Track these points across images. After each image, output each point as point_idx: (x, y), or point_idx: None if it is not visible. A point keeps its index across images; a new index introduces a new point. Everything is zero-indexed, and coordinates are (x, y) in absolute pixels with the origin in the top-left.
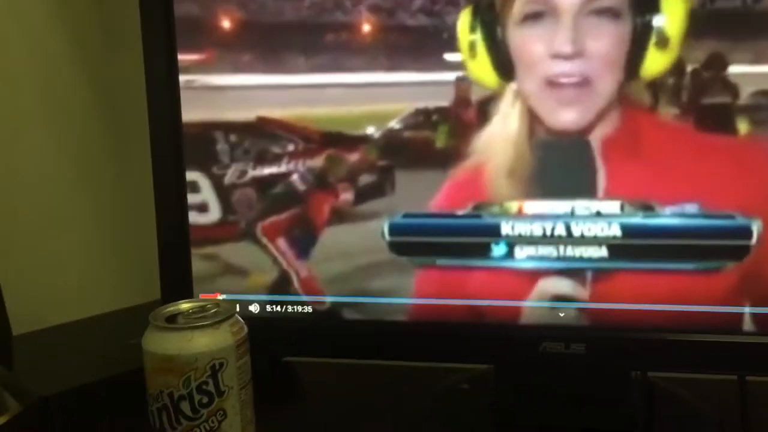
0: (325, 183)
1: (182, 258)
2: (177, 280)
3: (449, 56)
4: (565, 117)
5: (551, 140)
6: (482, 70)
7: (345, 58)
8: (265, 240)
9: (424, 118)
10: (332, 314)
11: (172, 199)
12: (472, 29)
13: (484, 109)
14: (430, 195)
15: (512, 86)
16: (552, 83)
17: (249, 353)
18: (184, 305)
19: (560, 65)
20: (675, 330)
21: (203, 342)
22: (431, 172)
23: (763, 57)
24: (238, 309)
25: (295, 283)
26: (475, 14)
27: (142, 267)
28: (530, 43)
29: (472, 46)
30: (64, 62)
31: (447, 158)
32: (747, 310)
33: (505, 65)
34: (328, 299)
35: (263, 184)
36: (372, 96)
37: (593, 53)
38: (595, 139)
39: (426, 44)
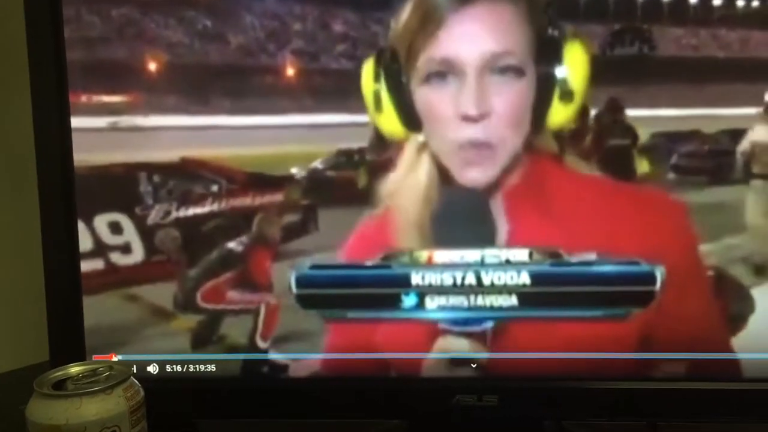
0: (262, 240)
1: (73, 316)
2: (68, 341)
3: None
4: (471, 175)
5: (459, 192)
6: (388, 121)
7: (270, 100)
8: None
9: (347, 159)
10: (239, 372)
11: (61, 249)
12: (376, 79)
13: (393, 157)
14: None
15: (419, 137)
16: (458, 144)
17: (145, 419)
18: (74, 369)
19: (467, 129)
20: (587, 378)
21: (93, 409)
22: (354, 209)
23: (659, 101)
24: (135, 370)
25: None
26: (378, 65)
27: (37, 325)
28: (436, 103)
29: (376, 97)
30: None
31: (367, 199)
32: (656, 356)
33: (411, 118)
34: (235, 357)
35: (188, 225)
36: (296, 137)
37: (498, 112)
38: (502, 190)
39: (349, 87)
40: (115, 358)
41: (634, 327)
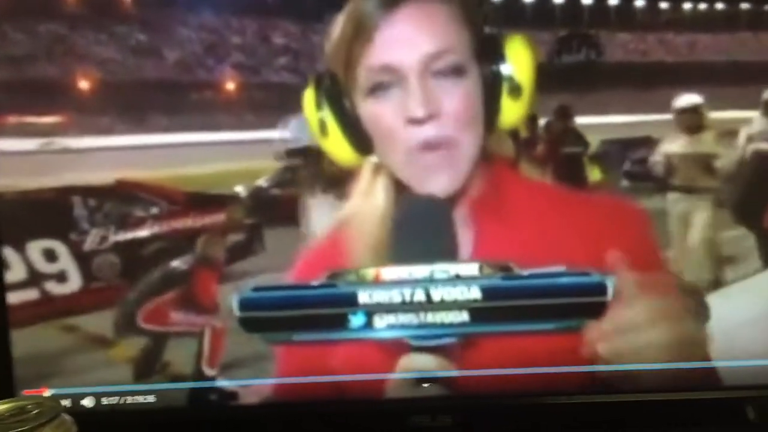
0: (206, 261)
1: (1, 353)
2: None
3: None
4: (435, 183)
5: (420, 204)
6: (337, 147)
7: (209, 116)
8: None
9: (291, 176)
10: (183, 403)
11: None
12: (319, 106)
13: (342, 183)
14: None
15: (371, 159)
16: (414, 150)
17: None
18: (1, 407)
19: (418, 131)
20: (541, 393)
21: None
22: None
23: (608, 107)
24: (69, 404)
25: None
26: (318, 91)
27: None
28: (383, 114)
29: (322, 124)
30: None
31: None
32: (611, 368)
33: (360, 140)
34: (177, 386)
35: (127, 249)
36: (238, 154)
37: (448, 112)
38: (464, 201)
39: (291, 101)
40: (47, 392)
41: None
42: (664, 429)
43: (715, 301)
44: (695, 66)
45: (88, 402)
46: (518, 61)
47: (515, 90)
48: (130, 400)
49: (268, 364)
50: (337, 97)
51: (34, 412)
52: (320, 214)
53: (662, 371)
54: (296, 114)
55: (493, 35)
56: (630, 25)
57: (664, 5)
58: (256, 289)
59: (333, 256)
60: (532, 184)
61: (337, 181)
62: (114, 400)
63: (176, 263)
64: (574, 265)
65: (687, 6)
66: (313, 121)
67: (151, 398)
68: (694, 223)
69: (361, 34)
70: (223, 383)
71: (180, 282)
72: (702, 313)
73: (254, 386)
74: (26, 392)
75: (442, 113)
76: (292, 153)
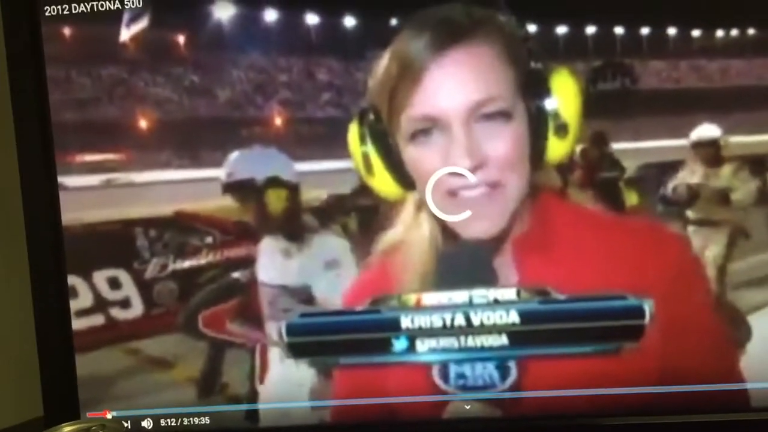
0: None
1: (66, 374)
2: (61, 398)
3: None
4: (477, 228)
5: (463, 248)
6: (381, 182)
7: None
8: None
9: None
10: (238, 423)
11: (52, 309)
12: (362, 141)
13: (388, 214)
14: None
15: (415, 195)
16: (455, 195)
17: None
18: (66, 429)
19: (461, 178)
20: (582, 415)
21: None
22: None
23: (643, 133)
24: (129, 426)
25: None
26: (362, 126)
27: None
28: (424, 160)
29: (365, 159)
30: None
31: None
32: (650, 390)
33: (405, 177)
34: (232, 408)
35: (183, 277)
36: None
37: (493, 158)
38: (510, 239)
39: (336, 134)
40: (109, 415)
41: (627, 361)
42: None
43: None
44: (728, 92)
45: (146, 424)
46: (564, 94)
47: (562, 128)
48: (186, 421)
49: (318, 387)
50: (381, 134)
51: None
52: (267, 261)
53: (697, 392)
54: (242, 147)
55: (539, 71)
56: (663, 52)
57: (696, 33)
58: (303, 315)
59: (379, 283)
60: (573, 210)
61: (286, 222)
62: (172, 421)
63: (237, 275)
64: (612, 288)
65: (719, 33)
66: (357, 155)
67: (206, 420)
68: (706, 255)
69: (407, 74)
70: (276, 405)
71: (239, 293)
72: (742, 333)
73: (306, 408)
74: (90, 414)
75: (488, 160)
76: (229, 188)
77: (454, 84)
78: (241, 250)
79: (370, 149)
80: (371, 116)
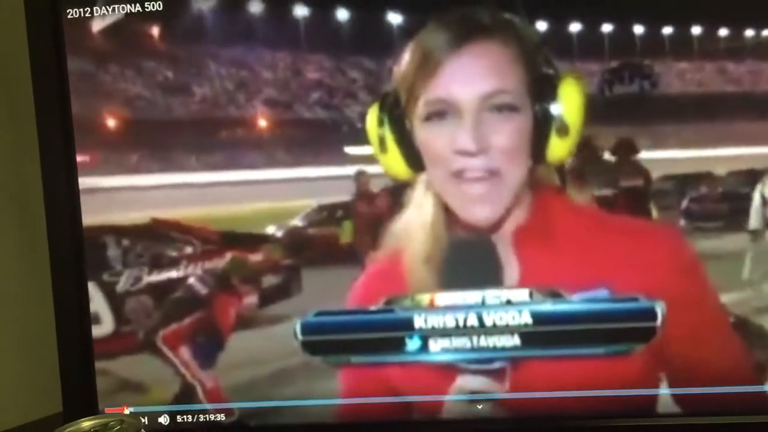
0: (228, 285)
1: (85, 370)
2: (80, 394)
3: (349, 149)
4: (477, 213)
5: (466, 232)
6: (393, 162)
7: (241, 154)
8: (166, 350)
9: (328, 215)
10: (247, 421)
11: (72, 307)
12: (380, 123)
13: (397, 199)
14: (339, 293)
15: (423, 177)
16: (458, 177)
17: None
18: (85, 423)
19: (466, 161)
20: (592, 416)
21: None
22: (339, 269)
23: (665, 141)
24: (146, 422)
25: (200, 394)
26: (382, 110)
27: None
28: (434, 140)
29: (381, 141)
30: None
31: (355, 254)
32: (661, 391)
33: (414, 158)
34: (241, 405)
35: (159, 290)
36: (272, 193)
37: (496, 146)
38: (509, 229)
39: (325, 138)
40: (127, 410)
41: (638, 363)
42: None
43: None
44: (759, 97)
45: (163, 420)
46: (569, 102)
47: (563, 129)
48: (202, 418)
49: (327, 386)
50: (399, 117)
51: (117, 428)
52: None
53: (712, 395)
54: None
55: (549, 76)
56: (687, 54)
57: (723, 32)
58: (319, 313)
59: (390, 276)
60: (577, 209)
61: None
62: (188, 417)
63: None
64: (619, 288)
65: (749, 33)
66: (374, 136)
67: (221, 417)
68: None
69: (425, 68)
70: (293, 402)
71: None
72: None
73: (321, 405)
74: (108, 410)
75: (491, 147)
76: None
77: (469, 74)
78: (222, 261)
79: (387, 131)
80: (392, 100)
